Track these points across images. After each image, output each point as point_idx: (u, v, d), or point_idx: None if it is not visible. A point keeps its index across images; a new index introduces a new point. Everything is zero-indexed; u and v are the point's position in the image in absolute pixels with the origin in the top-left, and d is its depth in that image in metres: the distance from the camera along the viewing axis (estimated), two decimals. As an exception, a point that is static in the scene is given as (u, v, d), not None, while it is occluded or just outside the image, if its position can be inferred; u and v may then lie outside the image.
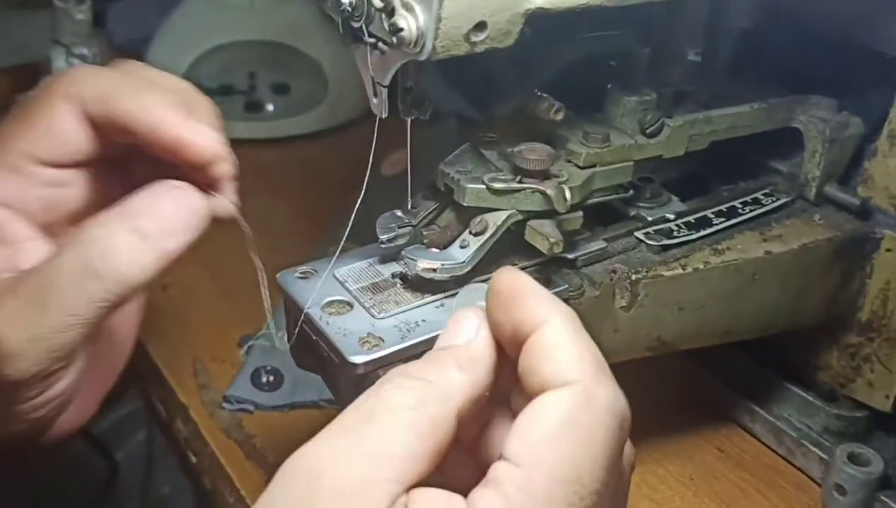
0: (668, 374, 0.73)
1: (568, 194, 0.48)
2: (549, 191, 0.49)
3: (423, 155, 0.98)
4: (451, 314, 0.42)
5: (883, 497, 0.61)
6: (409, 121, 0.48)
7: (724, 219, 0.60)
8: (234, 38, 1.13)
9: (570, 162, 0.53)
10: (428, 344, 0.47)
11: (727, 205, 0.61)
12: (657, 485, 0.67)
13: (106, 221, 0.43)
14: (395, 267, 0.52)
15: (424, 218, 0.54)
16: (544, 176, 0.50)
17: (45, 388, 0.45)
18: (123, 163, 0.50)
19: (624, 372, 0.44)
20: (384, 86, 0.44)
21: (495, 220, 0.50)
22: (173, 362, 0.77)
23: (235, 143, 0.50)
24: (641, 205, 0.59)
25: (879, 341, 0.63)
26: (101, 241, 0.42)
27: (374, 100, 0.45)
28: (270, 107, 1.13)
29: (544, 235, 0.49)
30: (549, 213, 0.50)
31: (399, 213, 0.53)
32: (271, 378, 0.73)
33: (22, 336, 0.42)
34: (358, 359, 0.46)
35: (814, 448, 0.66)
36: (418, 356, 0.47)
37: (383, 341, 0.47)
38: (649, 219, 0.58)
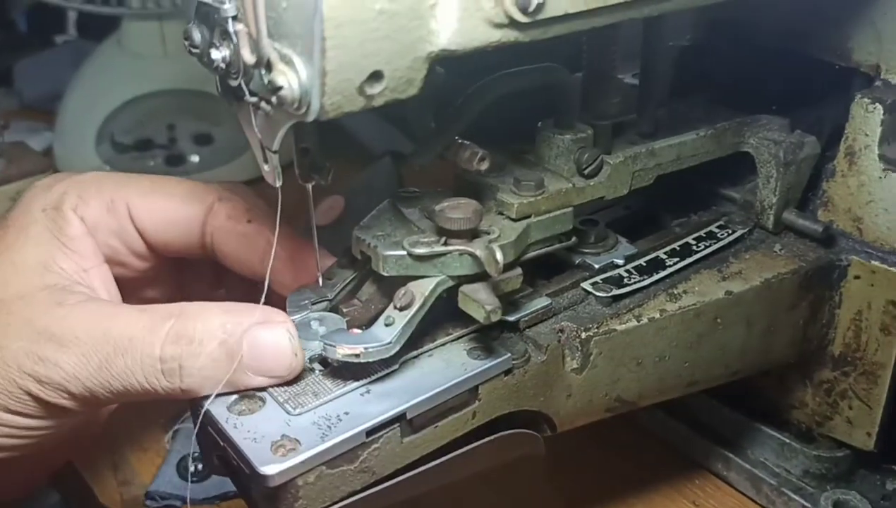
0: (630, 423, 0.67)
1: (499, 255, 0.42)
2: (478, 253, 0.43)
3: (359, 197, 0.91)
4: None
5: (875, 547, 0.56)
6: (309, 187, 0.42)
7: (678, 260, 0.54)
8: (149, 88, 1.06)
9: (501, 214, 0.48)
10: (352, 443, 0.41)
11: (680, 243, 0.56)
12: (629, 550, 0.61)
13: (207, 321, 0.43)
14: (314, 348, 0.45)
15: (342, 290, 0.47)
16: (472, 234, 0.44)
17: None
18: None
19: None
20: (273, 152, 0.38)
21: (422, 290, 0.44)
22: (90, 454, 0.69)
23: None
24: (586, 251, 0.53)
25: (855, 375, 0.58)
26: (195, 346, 0.42)
27: (266, 168, 0.39)
28: (195, 159, 1.06)
29: (479, 302, 0.43)
30: (483, 275, 0.44)
31: (312, 288, 0.47)
32: (199, 466, 0.66)
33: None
34: (269, 470, 0.39)
35: (795, 496, 0.61)
36: (341, 459, 0.41)
37: (300, 443, 0.41)
38: (596, 266, 0.53)
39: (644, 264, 0.53)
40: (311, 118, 0.34)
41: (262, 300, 0.43)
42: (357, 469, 0.42)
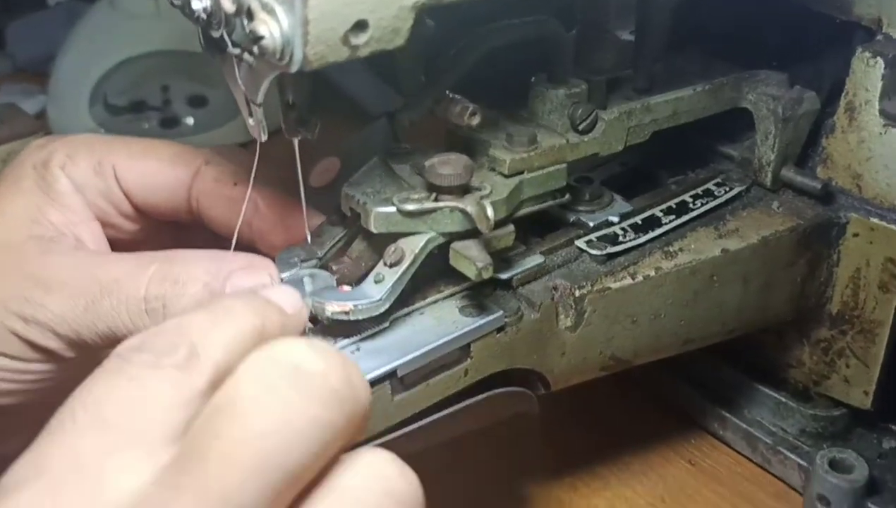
0: (626, 382, 0.67)
1: (490, 211, 0.42)
2: (468, 209, 0.42)
3: (355, 159, 0.90)
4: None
5: (871, 505, 0.56)
6: (295, 142, 0.41)
7: (674, 217, 0.53)
8: (143, 49, 1.05)
9: (493, 170, 0.47)
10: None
11: (676, 201, 0.55)
12: (625, 511, 0.61)
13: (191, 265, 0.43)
14: (306, 302, 0.44)
15: (332, 248, 0.47)
16: (463, 190, 0.44)
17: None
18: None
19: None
20: (258, 104, 0.37)
21: (412, 247, 0.43)
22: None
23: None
24: (581, 209, 0.52)
25: (853, 334, 0.58)
26: (179, 287, 0.42)
27: (250, 122, 0.38)
28: (189, 121, 1.05)
29: (470, 259, 0.42)
30: (475, 232, 0.44)
31: (302, 247, 0.46)
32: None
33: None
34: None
35: (791, 455, 0.61)
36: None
37: (290, 401, 0.40)
38: (591, 224, 0.52)
39: (640, 222, 0.53)
40: (294, 69, 0.33)
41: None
42: (348, 427, 0.42)
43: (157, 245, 0.56)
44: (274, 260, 0.46)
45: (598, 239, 0.51)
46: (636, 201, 0.55)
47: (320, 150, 0.77)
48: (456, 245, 0.44)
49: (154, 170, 0.51)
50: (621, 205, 0.54)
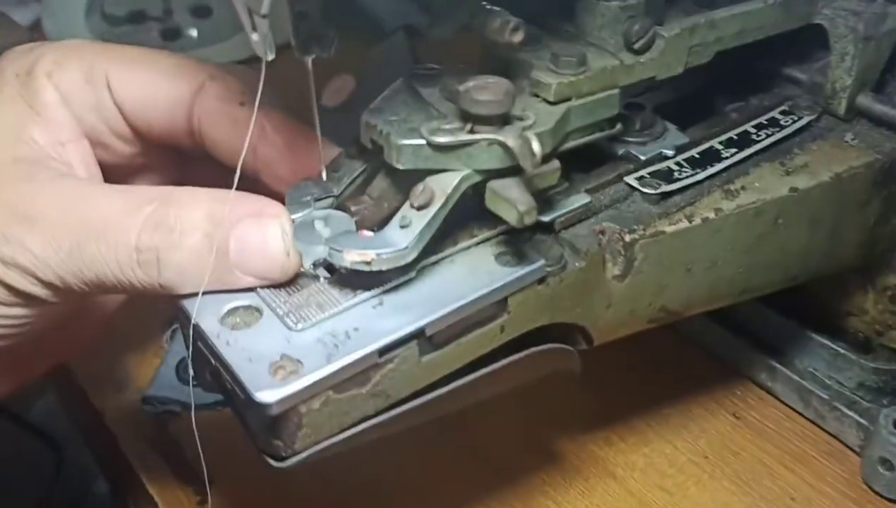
0: (667, 328, 0.61)
1: (536, 145, 0.35)
2: (510, 143, 0.36)
3: (372, 81, 0.84)
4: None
5: (938, 470, 0.51)
6: (308, 62, 0.35)
7: (735, 151, 0.47)
8: (141, -46, 0.97)
9: (536, 96, 0.40)
10: (363, 364, 0.36)
11: (738, 131, 0.48)
12: (666, 468, 0.56)
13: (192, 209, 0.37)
14: (318, 253, 0.39)
15: (350, 184, 0.41)
16: (503, 120, 0.37)
17: None
18: None
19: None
20: (262, 16, 0.31)
21: (443, 186, 0.37)
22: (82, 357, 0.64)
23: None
24: (631, 140, 0.46)
25: (926, 282, 0.52)
26: (176, 236, 0.37)
27: (254, 37, 0.32)
28: (192, 33, 0.98)
29: (510, 202, 0.37)
30: (515, 169, 0.38)
31: (315, 182, 0.40)
32: (199, 370, 0.61)
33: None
34: (268, 397, 0.34)
35: (848, 411, 0.56)
36: (351, 382, 0.36)
37: (302, 364, 0.35)
38: (642, 158, 0.46)
39: (697, 156, 0.47)
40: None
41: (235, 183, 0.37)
42: (369, 392, 0.37)
43: (156, 177, 0.50)
44: (283, 197, 0.40)
45: (651, 175, 0.45)
46: (692, 132, 0.48)
47: (330, 67, 0.70)
48: (494, 184, 0.38)
49: (152, 81, 0.45)
50: (676, 135, 0.47)
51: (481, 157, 0.37)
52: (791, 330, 0.59)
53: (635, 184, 0.44)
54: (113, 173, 0.48)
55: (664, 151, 0.46)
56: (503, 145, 0.37)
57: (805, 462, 0.56)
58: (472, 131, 0.37)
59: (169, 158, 0.49)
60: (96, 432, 0.62)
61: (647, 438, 0.58)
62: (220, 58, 0.95)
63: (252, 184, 0.44)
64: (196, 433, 0.40)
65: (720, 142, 0.48)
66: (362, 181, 0.41)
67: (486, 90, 0.36)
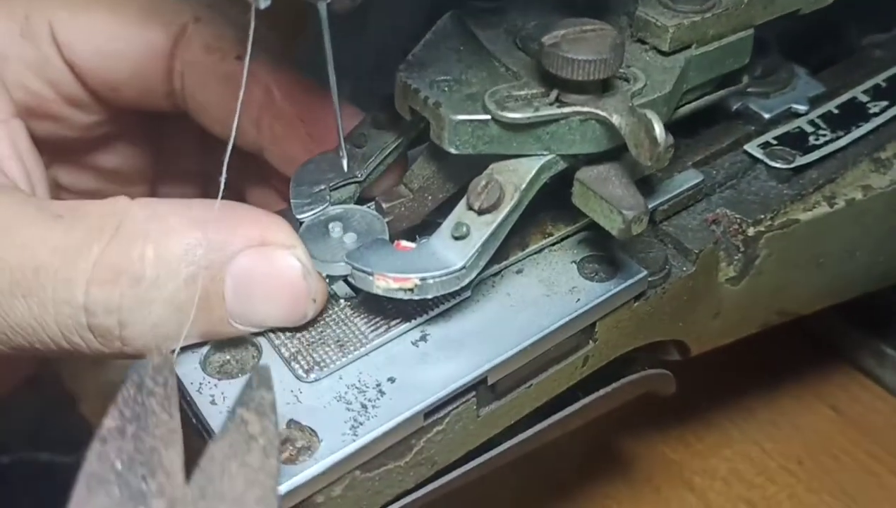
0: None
1: (660, 129, 0.24)
2: (617, 122, 0.25)
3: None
4: None
5: None
6: (322, 7, 0.23)
7: (886, 103, 0.35)
8: None
9: (642, 43, 0.29)
10: (403, 431, 0.26)
11: (887, 76, 0.37)
12: (753, 477, 0.47)
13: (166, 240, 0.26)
14: (336, 269, 0.28)
15: (379, 165, 0.29)
16: (604, 86, 0.26)
17: None
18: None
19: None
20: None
21: (516, 181, 0.26)
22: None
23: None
24: (750, 91, 0.34)
25: None
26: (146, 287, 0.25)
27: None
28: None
29: (611, 203, 0.25)
30: (613, 152, 0.27)
31: (330, 161, 0.29)
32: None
33: None
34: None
35: (979, 411, 0.46)
36: (386, 455, 0.26)
37: (318, 437, 0.25)
38: (766, 116, 0.34)
39: (836, 111, 0.35)
40: None
41: (221, 191, 0.25)
42: (409, 464, 0.27)
43: (124, 152, 0.38)
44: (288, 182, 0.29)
45: (779, 140, 0.34)
46: (824, 77, 0.37)
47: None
48: (585, 175, 0.27)
49: (115, 27, 0.33)
50: (808, 83, 0.36)
51: (571, 139, 0.26)
52: (905, 308, 0.48)
53: (759, 154, 0.33)
54: (65, 152, 0.36)
55: (794, 106, 0.35)
56: (606, 123, 0.25)
57: (921, 469, 0.47)
58: (558, 101, 0.26)
59: (140, 126, 0.37)
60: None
61: (730, 438, 0.48)
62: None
63: (250, 162, 0.32)
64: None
65: (864, 92, 0.36)
66: (393, 160, 0.30)
67: (582, 44, 0.25)
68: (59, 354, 0.27)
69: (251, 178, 0.36)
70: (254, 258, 0.25)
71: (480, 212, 0.26)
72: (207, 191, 0.41)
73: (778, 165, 0.33)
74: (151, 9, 0.33)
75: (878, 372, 0.50)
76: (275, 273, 0.25)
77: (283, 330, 0.27)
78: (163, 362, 0.23)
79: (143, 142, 0.37)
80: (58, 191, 0.38)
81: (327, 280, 0.29)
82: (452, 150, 0.26)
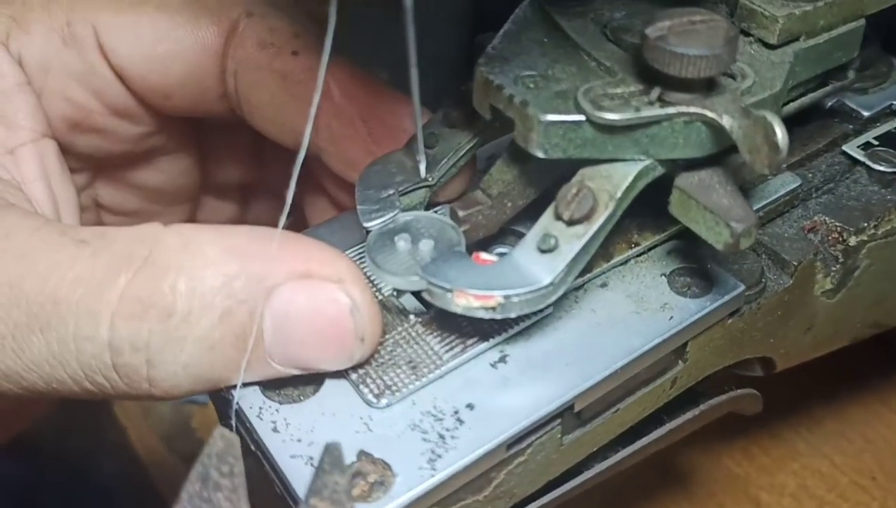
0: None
1: (781, 132, 0.21)
2: (727, 124, 0.22)
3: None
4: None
5: None
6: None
7: None
8: None
9: (746, 35, 0.26)
10: (486, 465, 0.23)
11: None
12: (824, 493, 0.44)
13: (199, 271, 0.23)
14: (409, 284, 0.25)
15: (452, 168, 0.27)
16: (710, 84, 0.23)
17: None
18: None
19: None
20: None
21: (611, 189, 0.23)
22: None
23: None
24: (850, 87, 0.32)
25: None
26: (177, 322, 0.23)
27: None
28: None
29: (719, 215, 0.23)
30: (715, 156, 0.24)
31: (398, 162, 0.27)
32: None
33: None
34: (340, 538, 0.21)
35: None
36: (465, 489, 0.23)
37: (392, 472, 0.22)
38: (865, 113, 0.32)
39: (940, 108, 0.32)
40: None
41: (286, 210, 0.23)
42: (489, 497, 0.24)
43: (171, 166, 0.35)
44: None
45: (881, 140, 0.31)
46: (925, 67, 0.34)
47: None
48: (686, 183, 0.24)
49: (164, 28, 0.30)
50: (909, 77, 0.33)
51: (673, 142, 0.23)
52: None
53: (860, 156, 0.30)
54: (108, 169, 0.34)
55: (895, 104, 0.32)
56: (714, 125, 0.22)
57: None
58: (661, 100, 0.23)
59: (187, 138, 0.34)
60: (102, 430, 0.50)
61: (797, 451, 0.46)
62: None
63: (307, 169, 0.30)
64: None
65: (970, 86, 0.33)
66: (465, 162, 0.27)
67: (692, 36, 0.22)
68: (80, 395, 0.24)
69: (309, 188, 0.34)
70: (295, 292, 0.23)
71: (570, 223, 0.23)
72: (251, 206, 0.38)
73: (881, 168, 0.30)
74: (201, 4, 0.30)
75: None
76: (317, 309, 0.23)
77: (360, 370, 0.25)
78: (227, 447, 0.21)
79: (188, 156, 0.35)
80: (98, 210, 0.35)
81: (395, 293, 0.26)
82: (541, 154, 0.23)
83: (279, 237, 0.23)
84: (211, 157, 0.36)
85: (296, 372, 0.24)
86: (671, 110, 0.23)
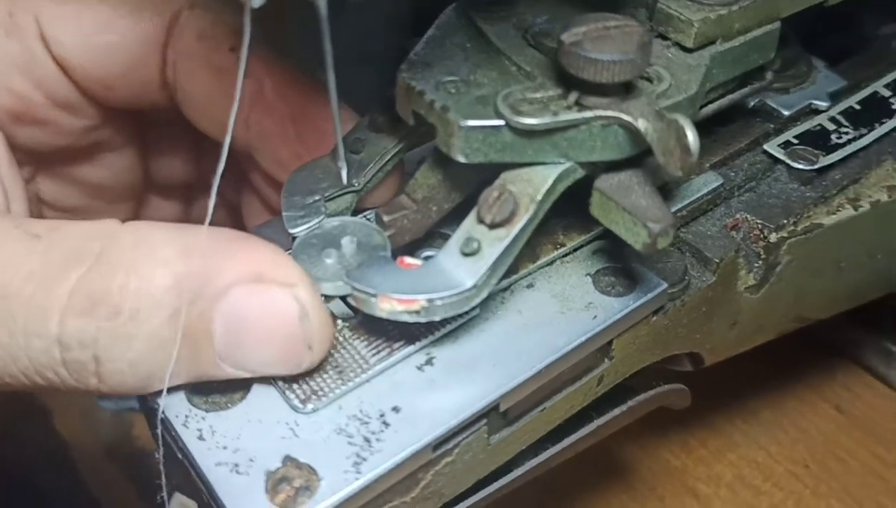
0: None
1: (692, 135, 0.22)
2: (642, 128, 0.22)
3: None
4: None
5: None
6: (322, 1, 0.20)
7: (908, 97, 0.34)
8: None
9: (664, 39, 0.26)
10: (412, 466, 0.23)
11: (908, 68, 0.35)
12: (760, 483, 0.45)
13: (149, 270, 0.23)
14: (334, 288, 0.25)
15: (378, 172, 0.27)
16: (627, 87, 0.24)
17: None
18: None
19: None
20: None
21: (531, 192, 0.24)
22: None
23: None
24: (770, 87, 0.32)
25: None
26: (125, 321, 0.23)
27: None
28: None
29: (635, 215, 0.23)
30: (634, 159, 0.24)
31: (324, 167, 0.27)
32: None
33: None
34: (264, 544, 0.22)
35: None
36: (392, 491, 0.24)
37: (318, 476, 0.23)
38: (785, 113, 0.32)
39: (857, 107, 0.33)
40: None
41: (211, 206, 0.23)
42: (416, 498, 0.25)
43: (114, 161, 0.35)
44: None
45: (801, 138, 0.32)
46: (843, 69, 0.35)
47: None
48: (605, 185, 0.24)
49: (106, 18, 0.30)
50: (828, 77, 0.34)
51: (592, 145, 0.24)
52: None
53: (780, 154, 0.31)
54: (50, 163, 0.33)
55: (814, 103, 0.33)
56: (630, 128, 0.23)
57: (931, 471, 0.45)
58: (578, 104, 0.23)
59: (130, 133, 0.34)
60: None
61: (734, 442, 0.46)
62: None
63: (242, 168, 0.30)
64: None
65: (886, 86, 0.34)
66: (391, 166, 0.27)
67: (606, 42, 0.22)
68: (32, 389, 0.24)
69: (246, 189, 0.34)
70: (246, 295, 0.23)
71: (492, 226, 0.24)
72: (194, 205, 0.38)
73: (800, 166, 0.31)
74: None
75: (882, 371, 0.48)
76: (267, 314, 0.23)
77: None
78: None
79: (132, 153, 0.34)
80: (40, 206, 0.35)
81: (323, 299, 0.26)
82: (462, 159, 0.24)
83: (233, 238, 0.23)
84: (155, 155, 0.35)
85: (246, 375, 0.24)
86: (588, 114, 0.23)
